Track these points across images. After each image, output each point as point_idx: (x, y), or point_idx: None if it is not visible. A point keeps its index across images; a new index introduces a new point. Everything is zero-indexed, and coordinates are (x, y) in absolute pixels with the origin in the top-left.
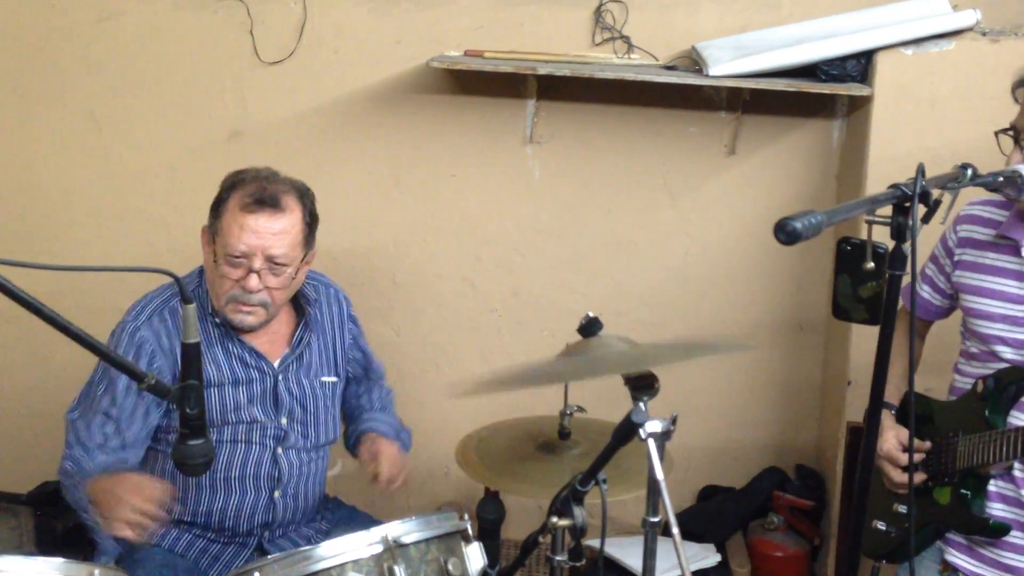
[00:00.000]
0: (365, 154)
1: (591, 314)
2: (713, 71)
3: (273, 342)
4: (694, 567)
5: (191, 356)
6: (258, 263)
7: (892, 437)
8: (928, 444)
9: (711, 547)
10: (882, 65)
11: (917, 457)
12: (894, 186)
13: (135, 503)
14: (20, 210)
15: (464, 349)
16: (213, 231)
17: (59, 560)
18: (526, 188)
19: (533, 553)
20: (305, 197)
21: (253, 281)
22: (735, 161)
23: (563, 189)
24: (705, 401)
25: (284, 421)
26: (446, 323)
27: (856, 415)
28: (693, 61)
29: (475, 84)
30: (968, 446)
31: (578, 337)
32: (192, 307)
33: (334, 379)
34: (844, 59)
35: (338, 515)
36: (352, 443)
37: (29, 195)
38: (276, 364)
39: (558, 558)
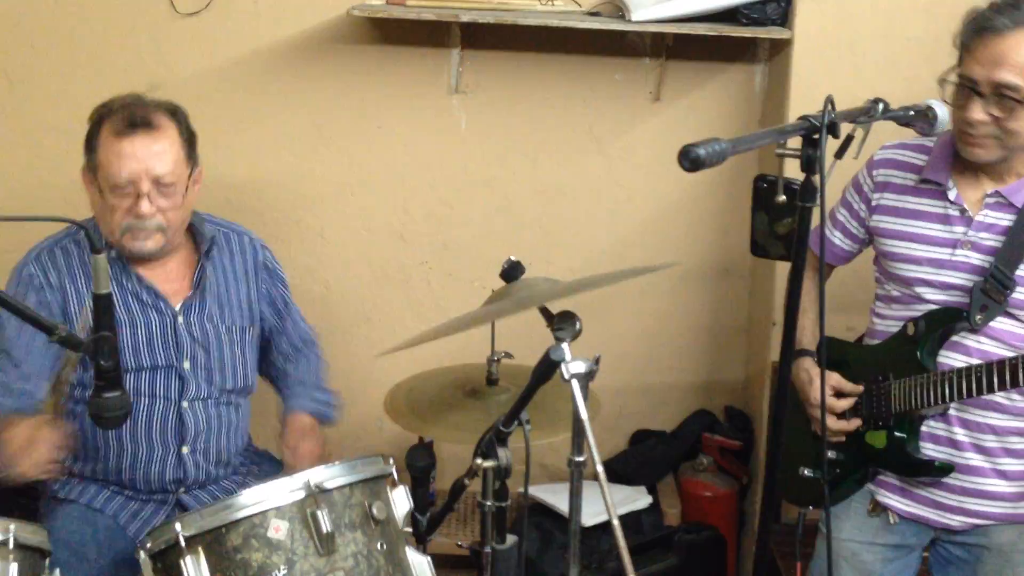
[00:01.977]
0: (288, 107)
1: (513, 258)
2: (635, 16)
3: (171, 281)
4: (626, 509)
5: (103, 307)
6: (145, 186)
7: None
8: (861, 388)
9: (642, 489)
10: (801, 8)
11: (849, 402)
12: (803, 118)
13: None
14: None
15: (395, 302)
16: (92, 167)
17: None
18: (452, 138)
19: (463, 499)
20: (177, 114)
21: (145, 206)
22: (660, 107)
23: (490, 139)
24: (635, 346)
25: (187, 365)
26: (376, 276)
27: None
28: (616, 7)
29: (398, 33)
30: (903, 389)
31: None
32: (102, 257)
33: (247, 326)
34: (764, 2)
35: (267, 468)
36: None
37: None
38: (176, 306)
39: (488, 503)
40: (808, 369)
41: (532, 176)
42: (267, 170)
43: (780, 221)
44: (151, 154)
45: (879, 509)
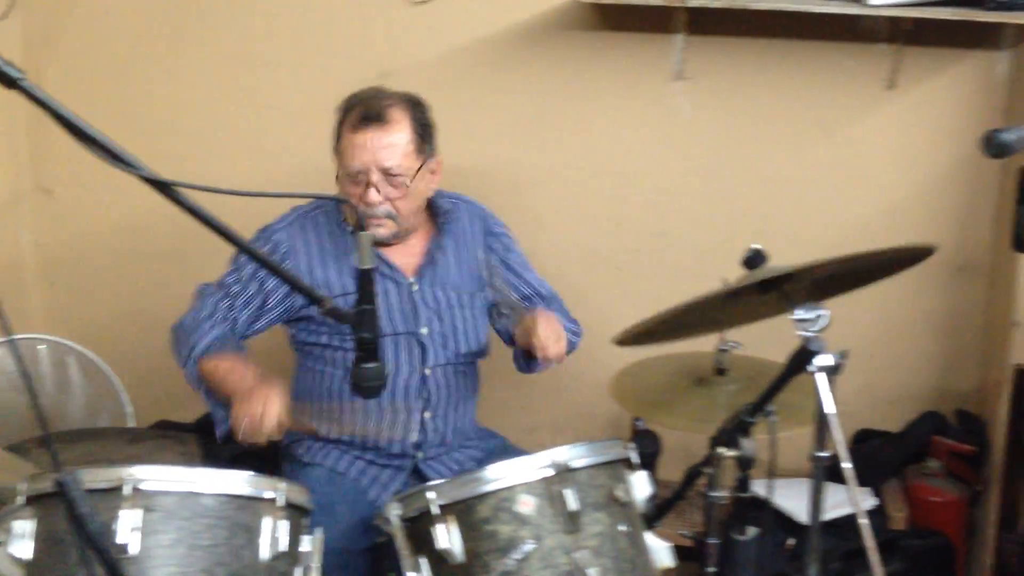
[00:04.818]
0: (510, 93)
1: (756, 246)
2: (873, 0)
3: (411, 255)
4: (850, 510)
5: (365, 281)
6: (375, 177)
7: None
8: None
9: (867, 491)
10: None
11: None
12: None
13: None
14: (171, 149)
15: (609, 290)
16: (336, 155)
17: (248, 474)
18: (674, 126)
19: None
20: (416, 108)
21: (373, 195)
22: (895, 95)
23: (713, 126)
24: (861, 343)
25: (424, 331)
26: (590, 263)
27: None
28: None
29: (622, 19)
30: None
31: (737, 273)
32: (366, 234)
33: (476, 291)
34: None
35: (491, 444)
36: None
37: (182, 135)
38: (411, 277)
39: (715, 494)
40: None
41: (755, 165)
42: (489, 156)
43: None
44: (381, 147)
45: None
